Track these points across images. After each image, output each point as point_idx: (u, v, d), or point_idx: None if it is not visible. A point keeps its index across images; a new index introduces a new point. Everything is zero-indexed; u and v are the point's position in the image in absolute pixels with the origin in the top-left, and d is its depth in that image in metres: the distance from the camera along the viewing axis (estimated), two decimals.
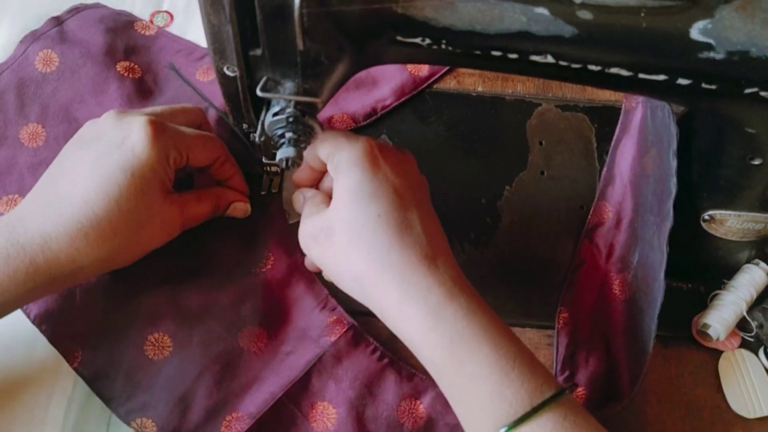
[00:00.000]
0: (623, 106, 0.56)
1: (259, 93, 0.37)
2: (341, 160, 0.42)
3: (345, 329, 0.49)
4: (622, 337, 0.48)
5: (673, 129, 0.48)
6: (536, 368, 0.39)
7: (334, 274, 0.43)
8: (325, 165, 0.45)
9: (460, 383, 0.39)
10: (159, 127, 0.44)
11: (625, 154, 0.51)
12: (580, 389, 0.48)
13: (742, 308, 0.52)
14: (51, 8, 0.61)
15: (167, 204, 0.45)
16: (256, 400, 0.47)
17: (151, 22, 0.62)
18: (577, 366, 0.49)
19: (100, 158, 0.43)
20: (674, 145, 0.48)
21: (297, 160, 0.40)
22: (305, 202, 0.47)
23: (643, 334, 0.48)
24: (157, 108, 0.48)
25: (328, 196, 0.45)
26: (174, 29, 0.62)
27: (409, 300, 0.39)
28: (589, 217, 0.52)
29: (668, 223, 0.47)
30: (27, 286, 0.41)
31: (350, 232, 0.40)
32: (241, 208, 0.52)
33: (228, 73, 0.39)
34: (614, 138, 0.50)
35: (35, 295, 0.43)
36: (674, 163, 0.47)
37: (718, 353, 0.53)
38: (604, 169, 0.51)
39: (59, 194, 0.42)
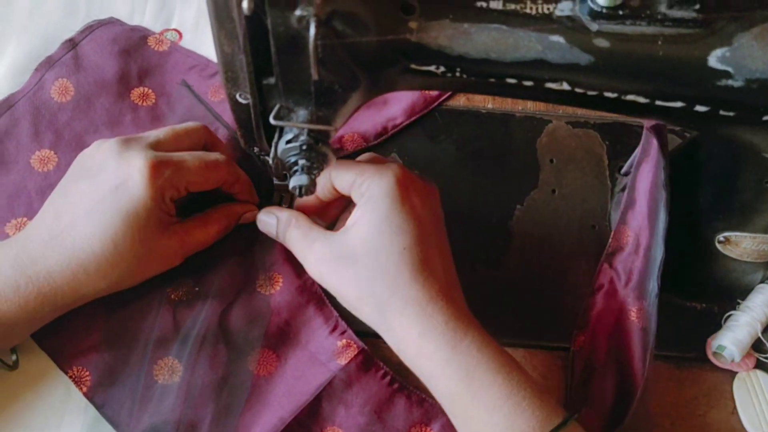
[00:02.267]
0: (644, 127, 0.55)
1: (272, 121, 0.37)
2: (371, 189, 0.42)
3: (355, 353, 0.49)
4: (638, 365, 0.48)
5: (661, 160, 0.48)
6: (544, 398, 0.40)
7: (353, 303, 0.44)
8: (334, 196, 0.46)
9: (475, 414, 0.40)
10: (157, 168, 0.45)
11: (644, 178, 0.51)
12: (592, 415, 0.48)
13: (757, 329, 0.52)
14: (60, 27, 0.61)
15: (165, 238, 0.47)
16: (265, 425, 0.47)
17: None
18: (591, 390, 0.49)
19: (100, 200, 0.44)
20: (662, 176, 0.48)
21: (310, 188, 0.40)
22: (287, 224, 0.47)
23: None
24: (160, 134, 0.48)
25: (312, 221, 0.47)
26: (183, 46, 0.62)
27: (429, 333, 0.41)
28: (610, 241, 0.52)
29: (659, 254, 0.48)
30: (36, 314, 0.44)
31: (375, 264, 0.41)
32: (249, 216, 0.52)
33: (240, 100, 0.39)
34: (636, 160, 0.50)
35: (43, 321, 0.46)
36: (663, 195, 0.47)
37: (732, 374, 0.53)
38: (626, 192, 0.51)
39: (62, 228, 0.45)
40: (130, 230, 0.44)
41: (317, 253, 0.44)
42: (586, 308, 0.52)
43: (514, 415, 0.39)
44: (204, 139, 0.51)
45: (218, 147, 0.52)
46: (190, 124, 0.51)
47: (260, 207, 0.53)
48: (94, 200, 0.45)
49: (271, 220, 0.49)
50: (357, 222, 0.43)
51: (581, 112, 0.62)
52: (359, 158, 0.48)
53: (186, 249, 0.49)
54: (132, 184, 0.44)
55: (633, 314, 0.49)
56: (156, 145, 0.47)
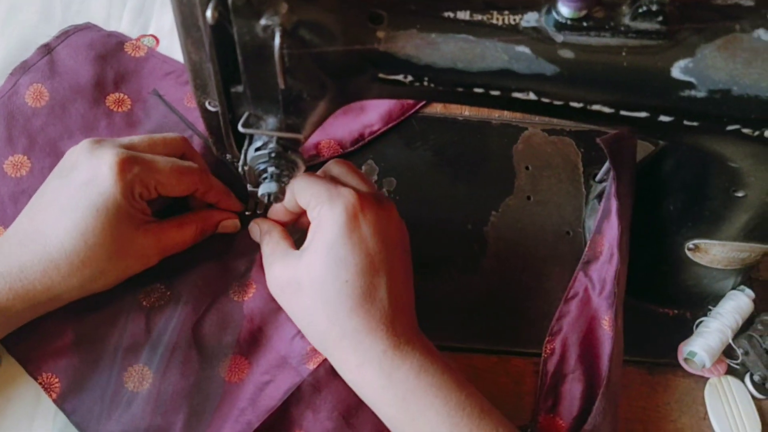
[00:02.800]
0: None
1: (241, 129, 0.37)
2: (322, 216, 0.43)
3: (324, 357, 0.49)
4: (607, 373, 0.48)
5: (612, 171, 0.50)
6: (487, 414, 0.42)
7: (300, 325, 0.46)
8: (299, 209, 0.47)
9: None
10: (126, 163, 0.45)
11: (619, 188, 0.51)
12: (560, 422, 0.48)
13: (728, 335, 0.52)
14: (36, 32, 0.61)
15: (139, 235, 0.46)
16: (233, 430, 0.47)
17: None
18: (560, 397, 0.49)
19: (72, 195, 0.45)
20: (614, 186, 0.50)
21: (279, 195, 0.40)
22: (263, 236, 0.49)
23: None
24: (135, 138, 0.49)
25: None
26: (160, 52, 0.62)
27: (366, 363, 0.42)
28: (586, 249, 0.52)
29: (614, 264, 0.49)
30: (8, 312, 0.44)
31: (317, 293, 0.42)
32: (230, 225, 0.53)
33: (210, 107, 0.39)
34: (611, 171, 0.50)
35: (17, 321, 0.46)
36: (614, 203, 0.50)
37: (704, 380, 0.53)
38: (603, 201, 0.51)
39: (36, 227, 0.45)
40: (100, 224, 0.44)
41: (274, 273, 0.46)
42: (559, 316, 0.52)
43: None
44: (181, 151, 0.51)
45: (195, 159, 0.52)
46: (169, 134, 0.51)
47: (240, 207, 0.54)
48: (66, 196, 0.45)
49: (254, 231, 0.51)
50: (307, 248, 0.44)
51: (557, 120, 0.63)
52: (326, 166, 0.48)
53: (161, 248, 0.48)
54: (102, 178, 0.44)
55: (605, 323, 0.49)
56: (129, 148, 0.47)
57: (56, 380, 0.47)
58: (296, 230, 0.51)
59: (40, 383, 0.47)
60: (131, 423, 0.46)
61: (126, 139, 0.48)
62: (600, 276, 0.51)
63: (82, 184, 0.45)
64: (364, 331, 0.42)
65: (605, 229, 0.52)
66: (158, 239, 0.48)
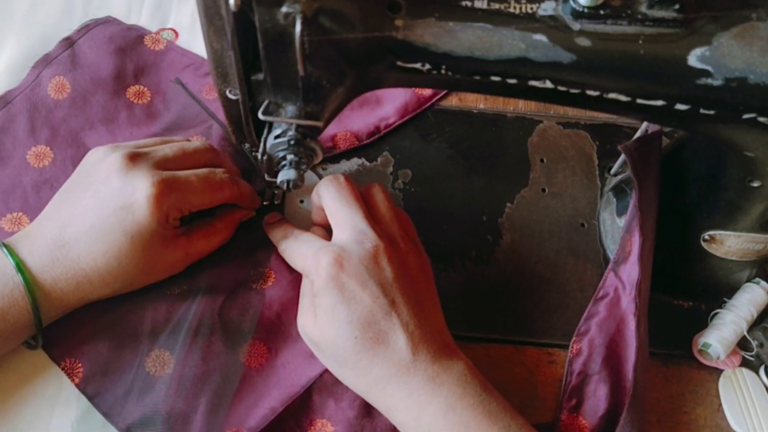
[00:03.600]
0: (648, 131, 0.55)
1: (261, 116, 0.38)
2: (315, 283, 0.44)
3: None
4: (632, 382, 0.48)
5: (633, 181, 0.49)
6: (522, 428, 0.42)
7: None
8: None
9: None
10: (163, 195, 0.45)
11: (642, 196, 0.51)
12: (583, 421, 0.48)
13: (743, 327, 0.52)
14: (57, 26, 0.62)
15: (170, 252, 0.48)
16: (256, 416, 0.47)
17: None
18: (584, 397, 0.49)
19: (105, 218, 0.45)
20: (635, 197, 0.50)
21: (298, 183, 0.40)
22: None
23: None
24: (169, 152, 0.49)
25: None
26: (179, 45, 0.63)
27: (394, 408, 0.43)
28: (617, 250, 0.52)
29: (635, 274, 0.50)
30: (43, 316, 0.46)
31: (336, 355, 0.44)
32: (249, 216, 0.54)
33: (230, 96, 0.39)
34: (633, 181, 0.50)
35: (50, 321, 0.48)
36: (636, 214, 0.50)
37: (718, 372, 0.53)
38: (632, 201, 0.51)
39: (66, 239, 0.45)
40: (134, 248, 0.46)
41: (300, 320, 0.46)
42: (588, 316, 0.52)
43: None
44: (212, 160, 0.52)
45: (224, 163, 0.53)
46: (199, 143, 0.52)
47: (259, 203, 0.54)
48: (99, 216, 0.45)
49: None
50: (317, 311, 0.44)
51: (572, 112, 0.63)
52: (317, 189, 0.48)
53: (190, 259, 0.50)
54: (137, 208, 0.45)
55: (634, 324, 0.49)
56: (163, 163, 0.47)
57: (79, 365, 0.48)
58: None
59: (62, 368, 0.48)
60: (153, 406, 0.46)
61: (159, 153, 0.48)
62: (629, 277, 0.51)
63: (117, 208, 0.45)
64: (386, 378, 0.42)
65: (633, 229, 0.51)
66: (186, 253, 0.49)
